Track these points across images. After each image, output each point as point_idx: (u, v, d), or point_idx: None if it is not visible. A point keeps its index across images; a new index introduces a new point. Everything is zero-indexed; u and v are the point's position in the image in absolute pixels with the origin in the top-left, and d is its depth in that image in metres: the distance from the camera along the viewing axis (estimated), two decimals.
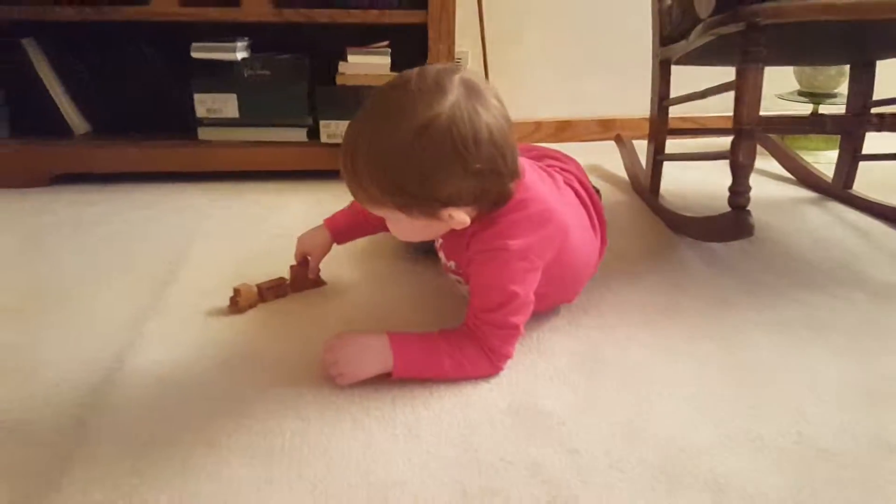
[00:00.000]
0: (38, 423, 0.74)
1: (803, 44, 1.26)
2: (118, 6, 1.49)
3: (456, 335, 0.83)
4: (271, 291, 1.04)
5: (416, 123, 0.71)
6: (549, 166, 0.99)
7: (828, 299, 1.04)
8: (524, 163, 0.85)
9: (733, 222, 1.07)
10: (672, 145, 1.53)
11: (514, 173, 0.79)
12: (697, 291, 1.07)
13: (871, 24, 1.03)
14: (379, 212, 0.81)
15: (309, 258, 1.06)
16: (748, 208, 1.07)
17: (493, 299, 0.81)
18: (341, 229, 1.05)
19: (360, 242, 1.11)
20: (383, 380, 0.80)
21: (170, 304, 1.01)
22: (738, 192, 1.07)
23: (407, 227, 0.82)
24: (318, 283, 1.08)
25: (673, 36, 1.37)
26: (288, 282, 1.06)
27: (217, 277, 1.09)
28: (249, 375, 0.83)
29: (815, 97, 1.98)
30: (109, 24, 1.51)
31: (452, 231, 0.84)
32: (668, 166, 1.51)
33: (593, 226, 0.97)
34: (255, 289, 1.02)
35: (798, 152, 1.92)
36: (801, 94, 2.01)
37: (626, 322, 0.97)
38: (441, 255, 0.94)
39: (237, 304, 1.00)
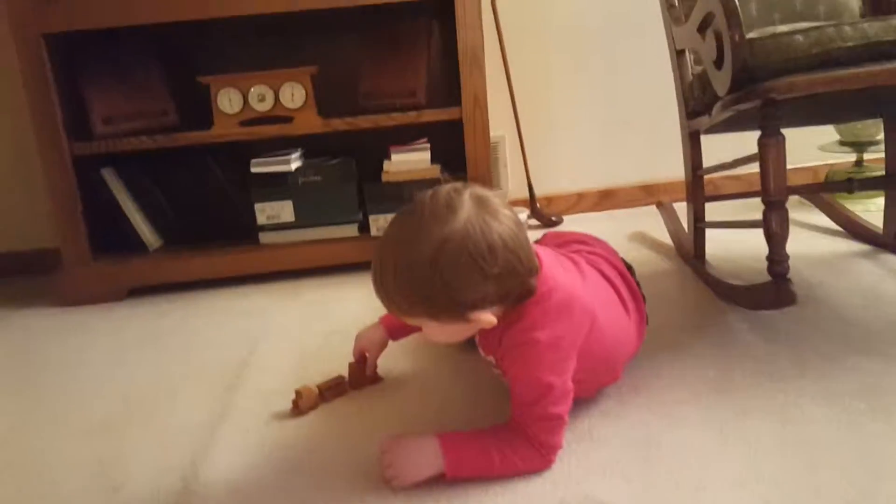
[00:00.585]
0: None
1: (827, 107, 1.28)
2: (185, 132, 1.66)
3: (505, 431, 0.86)
4: (331, 392, 1.09)
5: (434, 242, 0.79)
6: (575, 251, 1.04)
7: (883, 364, 1.02)
8: (542, 254, 0.91)
9: (774, 291, 1.08)
10: (718, 204, 1.54)
11: (532, 270, 0.86)
12: (748, 362, 1.07)
13: (886, 87, 1.06)
14: (412, 321, 0.87)
15: (367, 355, 1.12)
16: (789, 276, 1.08)
17: (532, 393, 0.84)
18: (397, 326, 1.11)
19: (413, 337, 1.16)
20: (439, 480, 0.83)
21: (237, 409, 1.09)
22: (776, 260, 1.08)
23: (440, 332, 0.88)
24: (376, 379, 1.14)
25: (697, 110, 1.42)
26: (346, 380, 1.12)
27: (279, 380, 1.16)
28: (313, 479, 0.88)
29: (857, 146, 1.97)
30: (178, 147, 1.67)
31: (484, 329, 0.89)
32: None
33: (624, 305, 1.00)
34: (316, 390, 1.08)
35: (848, 200, 1.90)
36: (842, 143, 2.01)
37: (676, 399, 0.98)
38: (480, 350, 0.98)
39: (299, 406, 1.06)
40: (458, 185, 0.86)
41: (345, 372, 1.13)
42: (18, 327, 1.58)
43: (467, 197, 0.83)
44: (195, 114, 1.72)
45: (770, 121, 1.09)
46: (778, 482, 0.79)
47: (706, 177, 1.55)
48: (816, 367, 1.04)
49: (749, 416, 0.92)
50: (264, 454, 0.95)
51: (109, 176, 1.74)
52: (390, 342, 1.14)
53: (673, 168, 1.61)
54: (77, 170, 1.64)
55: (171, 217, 1.82)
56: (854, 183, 1.13)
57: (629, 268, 1.09)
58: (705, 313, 1.29)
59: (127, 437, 1.04)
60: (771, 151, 1.09)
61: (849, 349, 1.08)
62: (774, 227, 1.08)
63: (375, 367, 1.13)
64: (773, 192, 1.07)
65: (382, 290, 0.85)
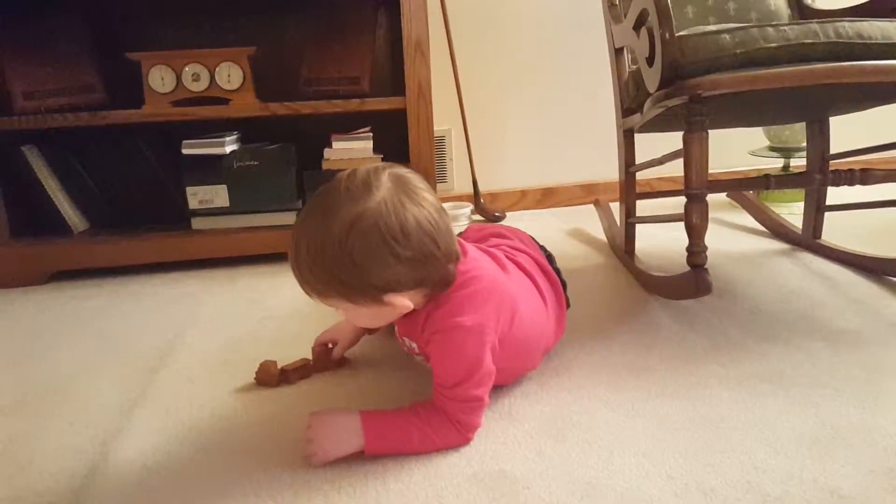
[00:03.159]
0: None
1: (752, 108, 1.33)
2: (113, 110, 1.60)
3: (425, 409, 0.86)
4: (296, 373, 1.06)
5: (346, 220, 0.78)
6: (493, 245, 1.04)
7: (789, 350, 1.07)
8: (466, 244, 0.91)
9: (692, 281, 1.11)
10: (651, 204, 1.58)
11: (451, 255, 0.85)
12: (665, 348, 1.10)
13: (805, 88, 1.10)
14: (328, 303, 0.85)
15: (330, 345, 1.10)
16: (706, 266, 1.12)
17: (454, 376, 0.84)
18: None
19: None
20: (357, 456, 0.83)
21: (158, 391, 1.06)
22: (694, 251, 1.12)
23: (358, 315, 0.88)
24: (341, 362, 1.11)
25: (632, 108, 1.45)
26: (311, 363, 1.09)
27: (204, 364, 1.14)
28: (228, 460, 0.86)
29: (784, 151, 2.06)
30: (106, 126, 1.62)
31: (408, 315, 0.88)
32: (648, 225, 1.57)
33: (542, 296, 1.01)
34: (277, 370, 1.06)
35: (773, 204, 1.99)
36: (771, 149, 2.10)
37: (594, 383, 1.00)
38: (398, 336, 0.98)
39: (261, 379, 1.05)
40: (380, 164, 0.84)
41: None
42: None
43: (386, 177, 0.81)
44: (125, 92, 1.66)
45: (695, 116, 1.12)
46: (677, 452, 0.82)
47: (644, 179, 1.59)
48: (728, 353, 1.08)
49: (661, 396, 0.95)
50: (181, 435, 0.93)
51: (31, 154, 1.67)
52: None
53: (612, 169, 1.66)
54: None
55: (98, 199, 1.76)
56: (771, 179, 1.17)
57: (549, 256, 1.11)
58: (630, 304, 1.33)
59: (39, 418, 1.00)
60: (694, 146, 1.12)
61: (759, 337, 1.13)
62: (694, 219, 1.11)
63: (342, 355, 1.11)
64: (695, 184, 1.10)
65: (297, 270, 0.83)
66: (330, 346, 1.10)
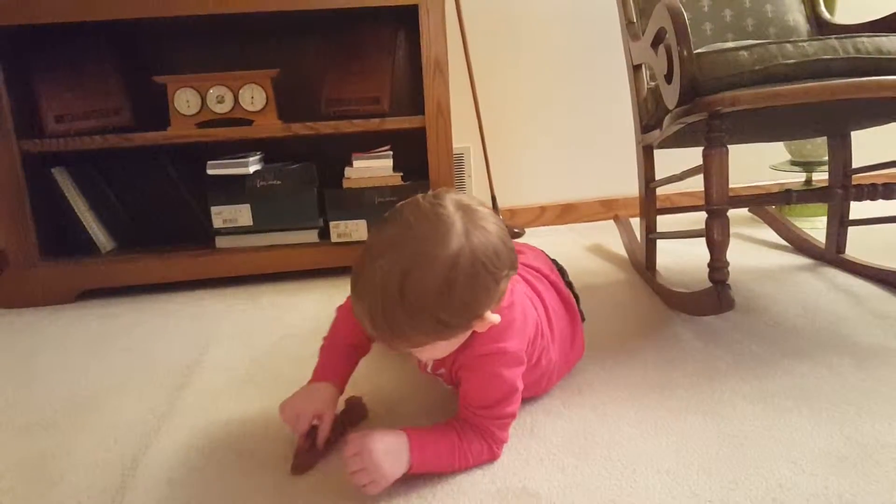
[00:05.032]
0: None
1: (771, 124, 1.33)
2: (140, 132, 1.64)
3: (461, 427, 0.86)
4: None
5: (444, 265, 0.75)
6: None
7: (814, 367, 1.06)
8: None
9: (714, 297, 1.11)
10: (672, 219, 1.57)
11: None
12: (688, 366, 1.10)
13: (825, 104, 1.10)
14: (418, 349, 0.83)
15: (317, 422, 0.92)
16: (728, 282, 1.11)
17: (491, 398, 0.85)
18: (340, 372, 0.97)
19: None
20: None
21: (185, 408, 1.07)
22: (716, 267, 1.11)
23: (441, 349, 0.85)
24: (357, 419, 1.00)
25: (651, 124, 1.46)
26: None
27: (228, 380, 1.16)
28: (253, 477, 0.87)
29: (806, 165, 2.05)
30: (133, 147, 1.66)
31: None
32: (669, 240, 1.56)
33: (549, 317, 1.00)
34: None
35: (796, 218, 1.97)
36: (793, 163, 2.08)
37: (617, 400, 1.00)
38: (430, 364, 0.95)
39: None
40: (434, 196, 0.81)
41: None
42: None
43: (452, 208, 0.78)
44: (151, 114, 1.70)
45: (714, 132, 1.12)
46: (700, 470, 0.82)
47: (663, 194, 1.59)
48: (751, 369, 1.07)
49: (684, 413, 0.95)
50: (208, 451, 0.94)
51: (61, 175, 1.71)
52: None
53: (631, 184, 1.66)
54: (26, 168, 1.61)
55: (125, 219, 1.80)
56: (793, 194, 1.17)
57: (561, 270, 1.12)
58: (652, 320, 1.32)
59: (70, 434, 1.02)
60: (714, 162, 1.12)
61: (783, 353, 1.12)
62: (716, 235, 1.11)
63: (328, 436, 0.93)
64: (715, 200, 1.11)
65: (390, 332, 0.77)
66: (315, 422, 0.92)
